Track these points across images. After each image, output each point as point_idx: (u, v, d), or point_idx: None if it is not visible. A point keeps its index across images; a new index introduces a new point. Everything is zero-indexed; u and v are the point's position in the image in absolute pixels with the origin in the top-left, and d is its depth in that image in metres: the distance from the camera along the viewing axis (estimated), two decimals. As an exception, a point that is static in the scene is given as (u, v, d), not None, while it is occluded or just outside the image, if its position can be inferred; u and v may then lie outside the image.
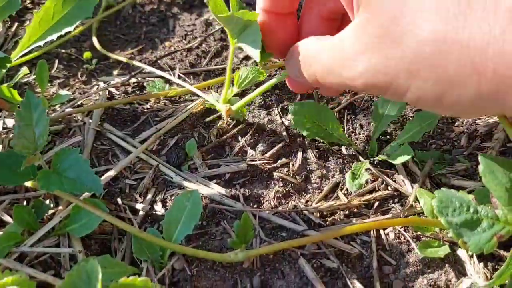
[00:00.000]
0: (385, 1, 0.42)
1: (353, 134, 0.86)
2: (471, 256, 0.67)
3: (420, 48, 0.40)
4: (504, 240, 0.55)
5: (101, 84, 0.99)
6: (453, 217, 0.56)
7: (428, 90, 0.42)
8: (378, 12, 0.43)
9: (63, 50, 1.13)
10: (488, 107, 0.41)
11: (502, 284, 0.58)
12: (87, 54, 1.07)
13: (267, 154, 0.82)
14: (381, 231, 0.72)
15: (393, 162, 0.77)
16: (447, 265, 0.67)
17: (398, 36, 0.42)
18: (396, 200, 0.76)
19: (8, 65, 0.83)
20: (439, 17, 0.39)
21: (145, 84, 0.97)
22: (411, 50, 0.41)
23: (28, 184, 0.74)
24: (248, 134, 0.85)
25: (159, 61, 1.05)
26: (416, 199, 0.74)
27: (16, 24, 1.22)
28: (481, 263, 0.66)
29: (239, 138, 0.85)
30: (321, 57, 0.52)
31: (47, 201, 0.74)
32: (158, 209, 0.74)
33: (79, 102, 0.93)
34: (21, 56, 0.97)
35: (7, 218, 0.73)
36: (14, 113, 0.89)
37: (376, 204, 0.75)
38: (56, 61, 1.09)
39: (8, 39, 1.19)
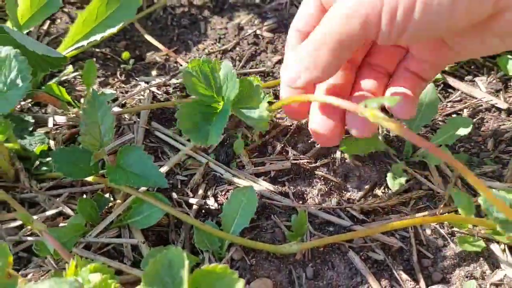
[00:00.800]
0: None
1: (388, 136, 0.91)
2: (504, 250, 0.73)
3: None
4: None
5: (142, 84, 1.03)
6: (498, 213, 0.62)
7: None
8: None
9: (97, 50, 1.16)
10: None
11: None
12: (125, 54, 1.11)
13: (308, 154, 0.87)
14: (418, 227, 0.78)
15: (428, 163, 0.82)
16: (481, 259, 0.73)
17: None
18: (430, 199, 0.82)
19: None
20: None
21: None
22: None
23: (88, 178, 0.78)
24: (288, 135, 0.90)
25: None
26: (450, 198, 0.80)
27: (48, 22, 1.25)
28: (515, 257, 0.72)
29: (280, 138, 0.90)
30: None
31: (106, 195, 0.78)
32: (211, 203, 0.78)
33: (123, 102, 0.97)
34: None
35: (67, 210, 0.77)
36: (63, 110, 0.94)
37: (412, 202, 0.81)
38: (94, 60, 1.12)
39: (40, 37, 1.22)
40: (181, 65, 1.08)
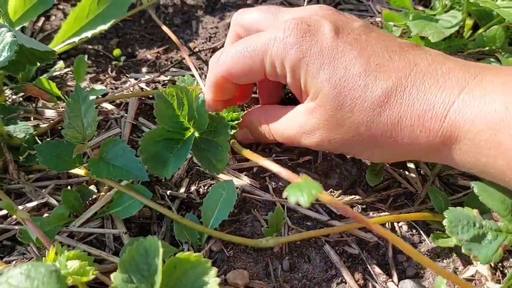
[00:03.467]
0: (328, 96, 0.65)
1: (369, 135, 0.93)
2: (478, 249, 0.75)
3: (357, 129, 0.66)
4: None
5: (132, 80, 1.05)
6: (463, 234, 0.63)
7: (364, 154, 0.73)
8: (324, 103, 0.66)
9: (90, 46, 1.18)
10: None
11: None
12: (116, 51, 1.13)
13: (291, 151, 0.89)
14: (395, 224, 0.80)
15: (407, 162, 0.84)
16: (455, 255, 0.75)
17: (341, 120, 0.66)
18: (408, 196, 0.83)
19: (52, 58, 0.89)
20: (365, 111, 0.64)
21: (175, 78, 1.03)
22: (351, 129, 0.66)
23: (73, 170, 0.80)
24: (272, 132, 0.92)
25: (184, 61, 1.11)
26: (427, 196, 0.82)
27: (42, 19, 1.27)
28: (487, 254, 0.73)
29: (265, 135, 0.92)
30: (283, 129, 0.76)
31: (91, 187, 0.80)
32: (193, 197, 0.80)
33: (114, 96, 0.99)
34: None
35: (52, 201, 0.79)
36: (52, 104, 0.96)
37: (390, 200, 0.83)
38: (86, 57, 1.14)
39: (35, 33, 1.24)
40: (172, 63, 1.10)
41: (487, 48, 1.04)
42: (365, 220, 0.56)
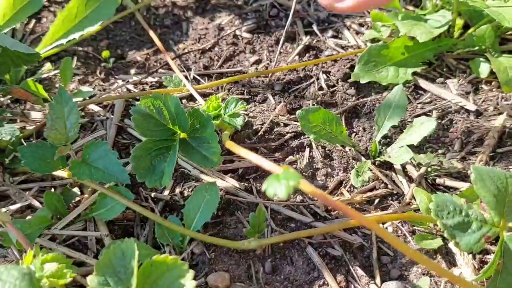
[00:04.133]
0: None
1: (356, 136, 0.93)
2: (462, 249, 0.74)
3: None
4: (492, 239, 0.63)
5: (120, 82, 1.05)
6: (447, 219, 0.63)
7: None
8: None
9: (80, 48, 1.18)
10: None
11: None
12: (105, 53, 1.13)
13: (277, 153, 0.88)
14: (381, 225, 0.79)
15: (394, 163, 0.84)
16: (439, 256, 0.74)
17: None
18: (394, 198, 0.83)
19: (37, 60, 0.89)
20: None
21: (162, 78, 1.02)
22: None
23: (57, 172, 0.80)
24: (259, 133, 0.92)
25: (173, 62, 1.11)
26: (413, 197, 0.81)
27: (33, 21, 1.27)
28: (470, 255, 0.73)
29: (251, 136, 0.91)
30: None
31: (74, 189, 0.80)
32: (177, 199, 0.80)
33: (100, 98, 0.99)
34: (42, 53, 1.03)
35: (35, 203, 0.79)
36: (39, 106, 0.96)
37: (376, 201, 0.82)
38: (75, 58, 1.14)
39: (26, 35, 1.24)
40: (161, 64, 1.10)
41: (476, 48, 1.04)
42: (343, 208, 0.55)
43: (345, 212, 0.55)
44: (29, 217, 0.77)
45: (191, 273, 0.57)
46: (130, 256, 0.57)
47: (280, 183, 0.53)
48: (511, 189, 0.64)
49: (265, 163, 0.59)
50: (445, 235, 0.61)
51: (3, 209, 0.77)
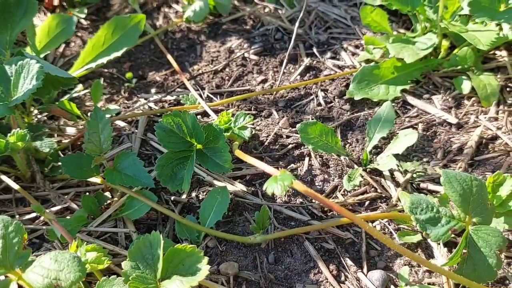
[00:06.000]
0: None
1: (350, 146, 1.05)
2: (439, 244, 0.86)
3: None
4: (458, 232, 0.75)
5: (142, 100, 1.19)
6: (420, 215, 0.75)
7: None
8: None
9: (105, 70, 1.33)
10: None
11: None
12: (129, 75, 1.27)
13: (280, 162, 1.01)
14: (370, 224, 0.91)
15: (381, 170, 0.96)
16: (419, 250, 0.86)
17: None
18: (383, 200, 0.95)
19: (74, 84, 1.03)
20: None
21: (180, 96, 1.16)
22: None
23: (90, 179, 0.93)
24: (264, 144, 1.05)
25: (189, 82, 1.25)
26: (399, 200, 0.93)
27: (63, 45, 1.42)
28: (445, 248, 0.84)
29: (258, 147, 1.04)
30: None
31: (106, 193, 0.93)
32: (193, 201, 0.93)
33: (125, 116, 1.13)
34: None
35: (73, 205, 0.93)
36: (72, 122, 1.10)
37: (367, 203, 0.94)
38: (101, 79, 1.28)
39: (56, 58, 1.39)
40: (177, 84, 1.24)
41: (459, 67, 1.16)
42: (332, 205, 0.68)
43: (335, 209, 0.68)
44: (68, 217, 0.90)
45: (206, 259, 0.69)
46: (156, 246, 0.70)
47: (277, 183, 0.65)
48: (475, 190, 0.76)
49: (267, 168, 0.72)
50: (418, 227, 0.73)
51: (46, 210, 0.90)
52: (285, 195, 0.94)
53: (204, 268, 0.69)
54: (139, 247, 0.71)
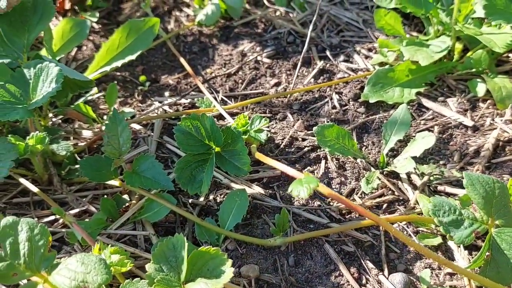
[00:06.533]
0: None
1: (366, 149, 1.05)
2: (459, 246, 0.86)
3: None
4: (481, 235, 0.75)
5: (156, 103, 1.19)
6: (443, 217, 0.75)
7: None
8: None
9: (118, 73, 1.33)
10: None
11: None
12: (142, 78, 1.27)
13: (296, 164, 1.01)
14: (394, 226, 0.91)
15: (399, 172, 0.96)
16: (439, 253, 0.86)
17: None
18: (400, 203, 0.95)
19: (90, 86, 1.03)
20: None
21: (195, 99, 1.17)
22: None
23: (108, 182, 0.93)
24: (280, 147, 1.05)
25: (202, 85, 1.25)
26: (417, 203, 0.93)
27: (75, 49, 1.42)
28: (466, 251, 0.84)
29: (274, 149, 1.04)
30: None
31: (124, 196, 0.93)
32: (211, 204, 0.93)
33: (139, 118, 1.13)
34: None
35: (91, 208, 0.93)
36: (87, 125, 1.10)
37: (385, 205, 0.94)
38: (115, 82, 1.29)
39: (69, 62, 1.40)
40: (191, 87, 1.24)
41: (474, 69, 1.16)
42: (357, 208, 0.68)
43: (359, 211, 0.68)
44: (86, 220, 0.90)
45: (230, 261, 0.69)
46: (180, 248, 0.70)
47: (302, 186, 0.65)
48: (498, 192, 0.76)
49: (290, 171, 0.72)
50: (441, 230, 0.73)
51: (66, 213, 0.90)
52: (302, 198, 0.94)
53: (228, 270, 0.69)
54: (162, 249, 0.70)
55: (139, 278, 0.70)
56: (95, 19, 1.46)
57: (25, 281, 0.65)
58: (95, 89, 1.21)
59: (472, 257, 0.84)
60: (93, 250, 0.73)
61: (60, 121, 1.16)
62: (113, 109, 0.91)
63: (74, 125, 1.15)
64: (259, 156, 0.86)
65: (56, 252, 0.70)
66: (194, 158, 0.88)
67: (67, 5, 1.52)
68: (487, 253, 0.74)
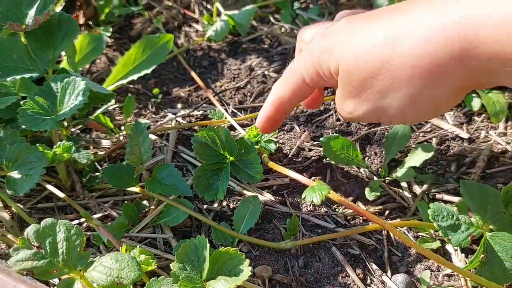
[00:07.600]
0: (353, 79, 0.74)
1: (369, 159, 1.12)
2: (456, 250, 0.92)
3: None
4: (476, 238, 0.81)
5: (170, 115, 1.26)
6: (442, 222, 0.81)
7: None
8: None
9: (131, 86, 1.40)
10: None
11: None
12: (156, 90, 1.34)
13: (304, 173, 1.08)
14: (398, 230, 0.97)
15: (400, 181, 1.03)
16: (438, 256, 0.92)
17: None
18: (401, 210, 1.02)
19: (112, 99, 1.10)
20: None
21: (207, 111, 1.23)
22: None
23: (129, 188, 0.99)
24: (288, 156, 1.11)
25: (213, 98, 1.32)
26: (417, 209, 1.00)
27: (90, 63, 1.49)
28: (463, 254, 0.91)
29: (282, 159, 1.11)
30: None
31: (144, 202, 1.00)
32: (225, 210, 0.99)
33: (154, 130, 1.20)
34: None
35: (113, 213, 0.99)
36: (106, 136, 1.16)
37: (387, 212, 1.01)
38: (129, 95, 1.35)
39: (84, 75, 1.46)
40: (202, 99, 1.31)
41: (469, 85, 1.23)
42: (364, 213, 0.74)
43: (366, 216, 0.74)
44: (108, 223, 0.96)
45: (247, 261, 0.76)
46: (202, 248, 0.76)
47: (315, 193, 0.72)
48: (492, 199, 0.83)
49: (302, 178, 0.79)
50: (440, 233, 0.80)
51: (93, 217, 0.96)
52: (310, 205, 1.01)
53: (246, 269, 0.75)
54: (185, 250, 0.77)
55: (163, 276, 0.76)
56: (108, 34, 1.53)
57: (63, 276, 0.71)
58: (113, 101, 1.27)
59: (468, 259, 0.91)
60: (121, 250, 0.79)
61: (78, 131, 1.23)
62: (135, 120, 0.98)
63: (92, 135, 1.21)
64: (273, 165, 0.93)
65: (91, 251, 0.76)
66: (210, 167, 0.95)
67: (81, 20, 1.59)
68: (482, 255, 0.81)
